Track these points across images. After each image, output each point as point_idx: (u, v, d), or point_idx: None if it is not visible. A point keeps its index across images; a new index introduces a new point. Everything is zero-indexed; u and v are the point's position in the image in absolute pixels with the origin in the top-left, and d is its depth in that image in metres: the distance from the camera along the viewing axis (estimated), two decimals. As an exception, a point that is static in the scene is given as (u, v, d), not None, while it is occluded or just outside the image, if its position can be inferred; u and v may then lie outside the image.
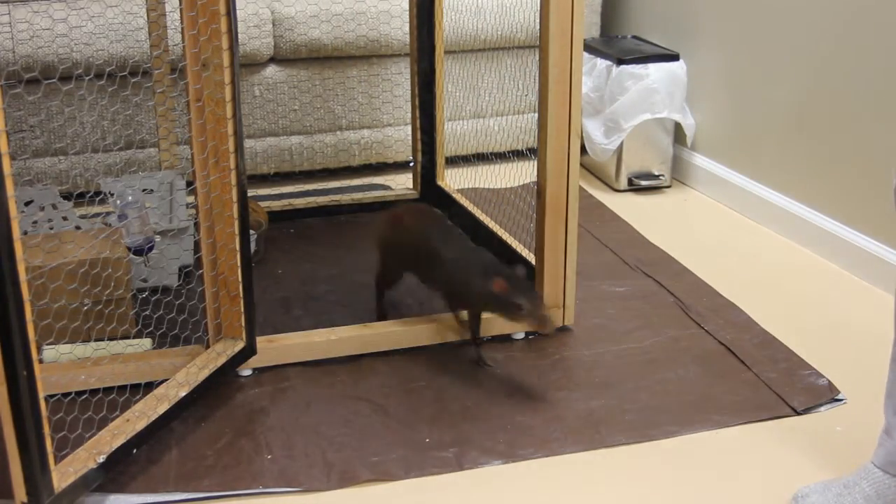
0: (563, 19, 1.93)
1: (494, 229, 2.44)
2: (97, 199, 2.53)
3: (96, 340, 2.02)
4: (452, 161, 3.20)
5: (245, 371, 1.97)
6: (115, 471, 1.64)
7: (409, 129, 3.12)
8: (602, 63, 3.05)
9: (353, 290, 2.34)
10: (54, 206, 2.37)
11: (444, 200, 2.77)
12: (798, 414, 1.87)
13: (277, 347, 1.99)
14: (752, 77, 2.79)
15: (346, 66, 3.04)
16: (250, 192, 2.82)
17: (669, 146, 3.07)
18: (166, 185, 2.49)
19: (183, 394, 1.75)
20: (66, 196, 2.65)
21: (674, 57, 3.00)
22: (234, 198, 1.82)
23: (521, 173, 3.16)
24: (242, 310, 1.89)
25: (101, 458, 1.56)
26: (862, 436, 1.79)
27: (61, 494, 1.48)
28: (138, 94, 2.83)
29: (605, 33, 3.47)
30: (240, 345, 1.91)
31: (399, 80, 3.09)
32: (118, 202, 2.23)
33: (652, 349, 2.08)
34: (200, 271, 1.87)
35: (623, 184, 3.06)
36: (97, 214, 2.52)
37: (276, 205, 2.75)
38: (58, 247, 2.07)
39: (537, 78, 2.00)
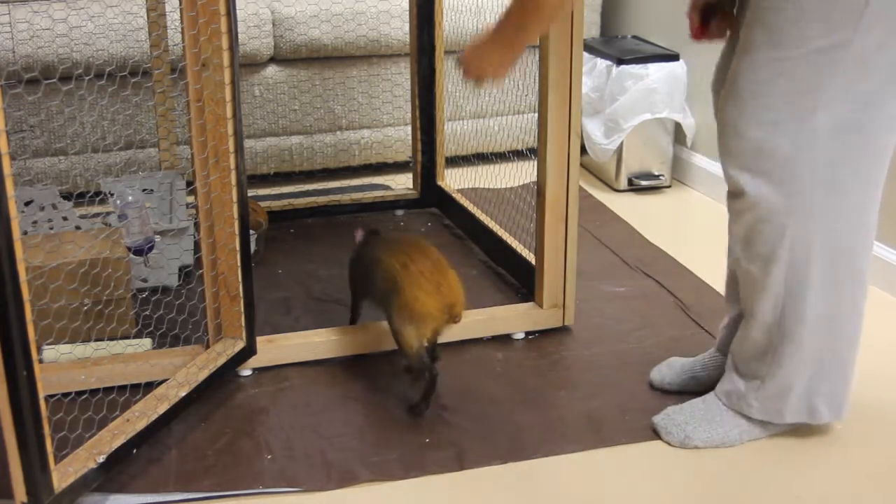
0: (563, 19, 1.93)
1: (494, 229, 2.45)
2: (97, 199, 2.53)
3: (96, 340, 2.02)
4: (452, 161, 3.20)
5: (245, 371, 1.97)
6: (115, 471, 1.64)
7: (409, 129, 3.12)
8: (602, 63, 3.05)
9: (353, 290, 2.34)
10: (54, 206, 2.37)
11: (444, 200, 2.77)
12: (798, 414, 1.87)
13: (277, 347, 1.99)
14: (752, 77, 2.79)
15: (346, 66, 3.04)
16: (250, 192, 2.82)
17: (669, 146, 3.07)
18: (166, 185, 2.49)
19: (183, 394, 1.75)
20: (66, 196, 2.65)
21: (674, 57, 3.00)
22: (234, 198, 1.82)
23: (521, 173, 3.16)
24: (242, 310, 1.89)
25: (101, 458, 1.56)
26: (862, 435, 1.79)
27: (61, 494, 1.48)
28: (138, 94, 2.83)
29: (605, 33, 3.46)
30: (240, 345, 1.91)
31: (399, 80, 3.09)
32: (118, 202, 2.23)
33: (652, 349, 2.08)
34: (200, 271, 1.87)
35: (623, 184, 3.06)
36: (97, 214, 2.52)
37: (276, 205, 2.75)
38: (58, 247, 2.07)
39: (537, 78, 2.00)
